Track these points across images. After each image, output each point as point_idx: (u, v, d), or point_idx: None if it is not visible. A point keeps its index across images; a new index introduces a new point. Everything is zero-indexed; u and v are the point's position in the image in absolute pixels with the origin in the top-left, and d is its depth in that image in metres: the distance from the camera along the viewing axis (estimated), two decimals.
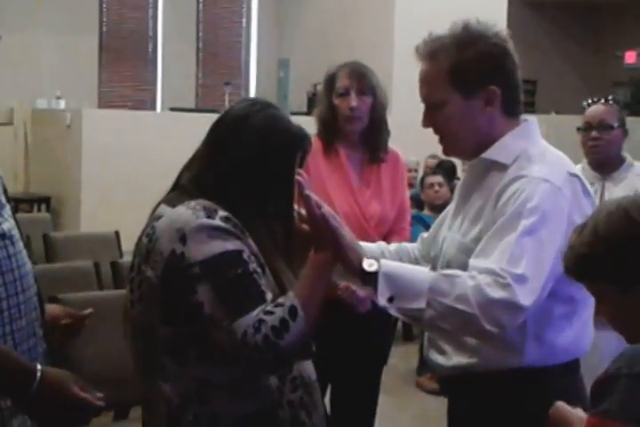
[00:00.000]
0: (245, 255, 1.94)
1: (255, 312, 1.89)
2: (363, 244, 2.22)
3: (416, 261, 2.43)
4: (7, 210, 2.03)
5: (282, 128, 2.08)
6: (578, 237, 1.65)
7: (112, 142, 9.24)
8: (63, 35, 11.43)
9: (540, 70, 13.93)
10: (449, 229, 2.28)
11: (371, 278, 2.01)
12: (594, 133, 3.78)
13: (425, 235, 2.49)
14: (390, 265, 2.05)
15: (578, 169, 2.21)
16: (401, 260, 2.41)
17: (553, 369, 2.13)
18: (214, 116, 2.15)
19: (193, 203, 1.99)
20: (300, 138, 2.11)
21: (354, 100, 3.35)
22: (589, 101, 3.91)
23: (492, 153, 2.16)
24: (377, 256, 2.24)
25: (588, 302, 2.13)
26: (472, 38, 2.14)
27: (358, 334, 3.39)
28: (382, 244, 2.50)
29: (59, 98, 10.72)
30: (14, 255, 1.97)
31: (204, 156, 2.09)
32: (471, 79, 2.12)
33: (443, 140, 2.21)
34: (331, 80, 3.41)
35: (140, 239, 2.07)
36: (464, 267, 2.08)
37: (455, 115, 2.14)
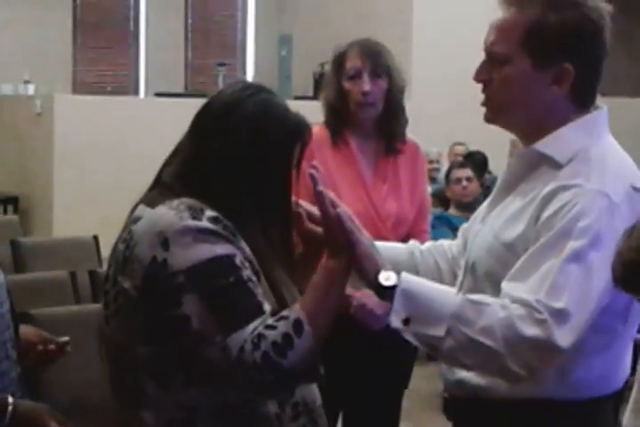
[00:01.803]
0: (238, 260, 1.93)
1: (252, 326, 1.87)
2: (390, 244, 2.18)
3: (453, 261, 2.40)
4: None
5: (277, 116, 2.08)
6: (626, 242, 1.65)
7: (88, 133, 9.25)
8: (32, 9, 11.45)
9: None
10: (481, 222, 2.25)
11: (387, 294, 1.98)
12: None
13: (465, 226, 2.44)
14: (411, 281, 2.01)
15: None
16: (435, 261, 2.40)
17: (576, 404, 2.10)
18: None
19: (176, 202, 1.98)
20: (299, 127, 2.10)
21: (367, 84, 3.35)
22: None
23: (545, 145, 2.11)
24: (402, 262, 2.23)
25: (629, 334, 2.10)
26: (567, 2, 2.08)
27: (374, 353, 3.36)
28: (414, 244, 2.47)
29: (27, 82, 10.74)
30: None
31: (189, 148, 2.09)
32: (549, 47, 2.07)
33: (488, 103, 2.17)
34: (339, 60, 3.42)
35: (115, 246, 2.06)
36: (489, 273, 2.08)
37: (515, 80, 2.10)
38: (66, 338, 2.27)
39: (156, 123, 9.44)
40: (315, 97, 11.56)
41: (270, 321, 1.89)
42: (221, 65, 11.22)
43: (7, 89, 10.77)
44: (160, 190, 2.07)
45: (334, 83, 3.42)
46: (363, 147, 3.45)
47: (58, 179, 9.36)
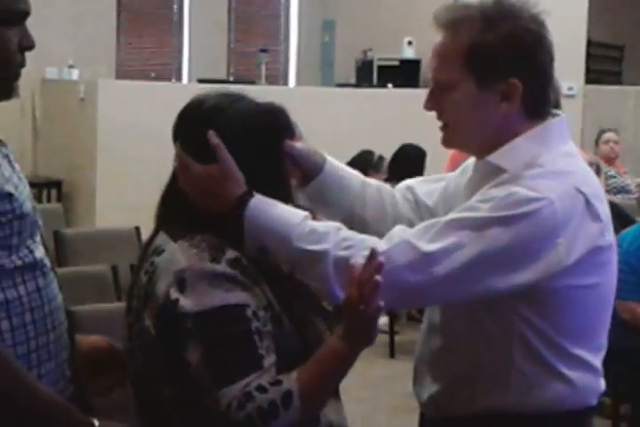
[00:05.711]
0: (249, 312, 1.89)
1: (244, 382, 1.84)
2: (348, 172, 2.26)
3: (395, 209, 2.34)
4: (38, 233, 2.03)
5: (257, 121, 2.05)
6: None
7: (132, 118, 9.27)
8: None
9: (629, 34, 13.64)
10: None
11: None
12: None
13: (403, 185, 2.39)
14: None
15: None
16: (383, 201, 2.34)
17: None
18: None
19: (197, 239, 1.96)
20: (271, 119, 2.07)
21: None
22: None
23: (498, 157, 2.08)
24: (353, 187, 2.27)
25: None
26: (502, 16, 2.04)
27: None
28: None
29: (71, 67, 10.75)
30: (45, 288, 1.98)
31: None
32: (491, 66, 2.04)
33: (444, 130, 2.14)
34: None
35: (137, 276, 2.04)
36: None
37: (463, 103, 2.07)
38: None
39: None
40: (357, 85, 11.46)
41: (264, 381, 1.85)
42: (264, 51, 11.15)
43: (52, 73, 10.76)
44: (183, 222, 2.04)
45: None
46: None
47: (101, 164, 9.37)
